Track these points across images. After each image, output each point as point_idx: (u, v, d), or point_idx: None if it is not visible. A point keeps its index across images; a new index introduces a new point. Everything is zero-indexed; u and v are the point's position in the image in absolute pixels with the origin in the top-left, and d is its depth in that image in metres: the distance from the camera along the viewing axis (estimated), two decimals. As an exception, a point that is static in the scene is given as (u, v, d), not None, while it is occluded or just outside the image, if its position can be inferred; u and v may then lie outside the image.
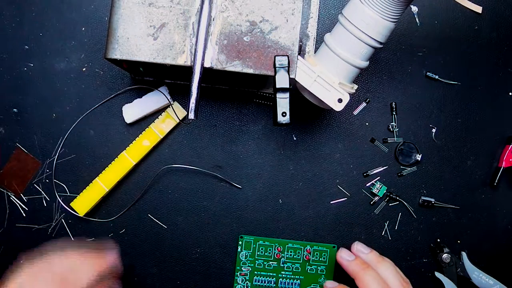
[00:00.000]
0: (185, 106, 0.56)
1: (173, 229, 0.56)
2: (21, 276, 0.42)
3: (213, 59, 0.44)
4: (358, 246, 0.51)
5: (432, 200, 0.57)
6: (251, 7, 0.45)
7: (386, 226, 0.57)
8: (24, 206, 0.56)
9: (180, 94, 0.56)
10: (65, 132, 0.56)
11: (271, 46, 0.45)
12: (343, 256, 0.50)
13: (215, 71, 0.45)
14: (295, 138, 0.57)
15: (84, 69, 0.56)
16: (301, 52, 0.53)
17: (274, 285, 0.56)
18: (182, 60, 0.44)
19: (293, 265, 0.56)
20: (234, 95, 0.57)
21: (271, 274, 0.56)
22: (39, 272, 0.42)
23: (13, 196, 0.56)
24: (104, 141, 0.56)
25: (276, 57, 0.43)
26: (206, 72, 0.45)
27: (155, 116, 0.56)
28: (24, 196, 0.56)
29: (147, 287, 0.56)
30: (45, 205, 0.56)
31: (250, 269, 0.56)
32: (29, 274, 0.42)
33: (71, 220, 0.56)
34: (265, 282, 0.56)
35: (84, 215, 0.55)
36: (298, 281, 0.56)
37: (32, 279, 0.42)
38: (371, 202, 0.57)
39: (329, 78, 0.45)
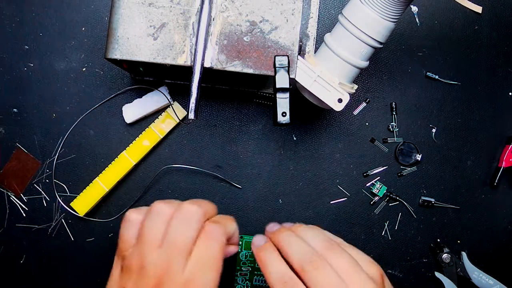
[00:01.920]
0: (185, 106, 0.56)
1: (173, 229, 0.56)
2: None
3: (213, 59, 0.44)
4: (267, 228, 0.44)
5: (432, 200, 0.57)
6: (251, 7, 0.45)
7: (386, 226, 0.57)
8: (24, 206, 0.56)
9: (180, 94, 0.56)
10: (65, 132, 0.56)
11: (271, 46, 0.45)
12: (254, 242, 0.42)
13: (215, 71, 0.45)
14: (295, 138, 0.57)
15: (84, 69, 0.56)
16: (301, 52, 0.53)
17: (274, 285, 0.56)
18: (182, 60, 0.44)
19: (293, 265, 0.56)
20: (234, 95, 0.57)
21: (271, 274, 0.56)
22: (180, 207, 0.39)
23: (13, 196, 0.56)
24: (104, 141, 0.56)
25: (276, 57, 0.43)
26: (206, 72, 0.45)
27: (155, 116, 0.56)
28: (24, 196, 0.56)
29: (147, 287, 0.56)
30: (45, 205, 0.56)
31: (250, 269, 0.56)
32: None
33: (71, 220, 0.56)
34: (265, 282, 0.56)
35: (84, 215, 0.55)
36: (298, 281, 0.56)
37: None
38: (371, 202, 0.57)
39: (329, 78, 0.45)
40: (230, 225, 0.41)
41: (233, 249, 0.42)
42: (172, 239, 0.37)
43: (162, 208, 0.39)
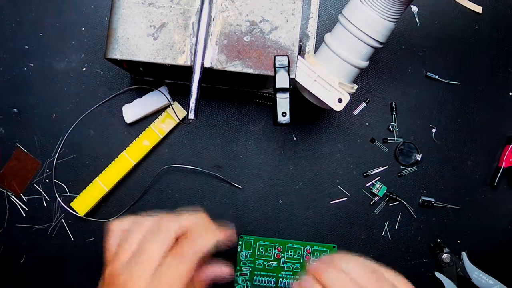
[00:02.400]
0: (185, 106, 0.56)
1: (173, 229, 0.56)
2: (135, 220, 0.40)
3: (213, 59, 0.44)
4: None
5: (432, 200, 0.57)
6: (251, 7, 0.45)
7: (386, 226, 0.57)
8: (24, 206, 0.56)
9: (180, 94, 0.56)
10: (65, 132, 0.56)
11: (271, 46, 0.45)
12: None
13: (215, 71, 0.45)
14: (295, 138, 0.57)
15: (84, 69, 0.56)
16: (301, 52, 0.53)
17: (274, 285, 0.56)
18: (182, 60, 0.44)
19: (293, 265, 0.56)
20: (234, 95, 0.57)
21: (271, 274, 0.56)
22: (159, 220, 0.39)
23: (13, 196, 0.56)
24: (104, 141, 0.56)
25: (276, 57, 0.43)
26: (206, 72, 0.45)
27: (155, 116, 0.56)
28: (24, 196, 0.56)
29: (147, 287, 0.56)
30: (45, 205, 0.56)
31: (250, 269, 0.56)
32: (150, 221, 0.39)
33: (71, 220, 0.56)
34: (265, 282, 0.56)
35: (84, 215, 0.55)
36: (298, 281, 0.56)
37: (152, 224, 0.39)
38: (371, 202, 0.57)
39: (329, 78, 0.45)
40: (207, 241, 0.39)
41: (225, 271, 0.41)
42: (142, 251, 0.37)
43: (142, 220, 0.40)
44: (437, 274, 0.56)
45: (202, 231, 0.40)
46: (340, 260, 0.37)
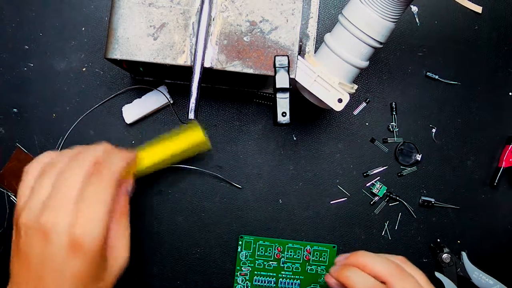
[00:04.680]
0: (185, 106, 0.56)
1: (173, 229, 0.56)
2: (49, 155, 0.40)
3: (213, 59, 0.44)
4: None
5: (432, 200, 0.57)
6: (251, 7, 0.45)
7: (386, 226, 0.57)
8: (24, 206, 0.56)
9: (180, 94, 0.56)
10: (65, 132, 0.56)
11: (271, 46, 0.45)
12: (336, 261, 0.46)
13: (215, 71, 0.45)
14: (295, 138, 0.57)
15: (84, 69, 0.56)
16: (301, 52, 0.53)
17: (274, 285, 0.56)
18: (182, 60, 0.44)
19: (293, 265, 0.56)
20: (234, 95, 0.57)
21: (271, 274, 0.56)
22: (68, 152, 0.40)
23: (13, 196, 0.56)
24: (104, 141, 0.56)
25: (276, 57, 0.43)
26: (206, 72, 0.45)
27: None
28: (24, 196, 0.56)
29: (147, 287, 0.56)
30: (45, 205, 0.56)
31: (250, 269, 0.56)
32: (58, 154, 0.40)
33: (71, 220, 0.56)
34: (265, 282, 0.56)
35: (84, 215, 0.54)
36: (298, 281, 0.56)
37: (61, 157, 0.39)
38: (371, 202, 0.57)
39: (329, 78, 0.45)
40: (120, 162, 0.41)
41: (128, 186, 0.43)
42: (60, 184, 0.36)
43: (56, 157, 0.40)
44: (437, 274, 0.56)
45: (112, 155, 0.41)
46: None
